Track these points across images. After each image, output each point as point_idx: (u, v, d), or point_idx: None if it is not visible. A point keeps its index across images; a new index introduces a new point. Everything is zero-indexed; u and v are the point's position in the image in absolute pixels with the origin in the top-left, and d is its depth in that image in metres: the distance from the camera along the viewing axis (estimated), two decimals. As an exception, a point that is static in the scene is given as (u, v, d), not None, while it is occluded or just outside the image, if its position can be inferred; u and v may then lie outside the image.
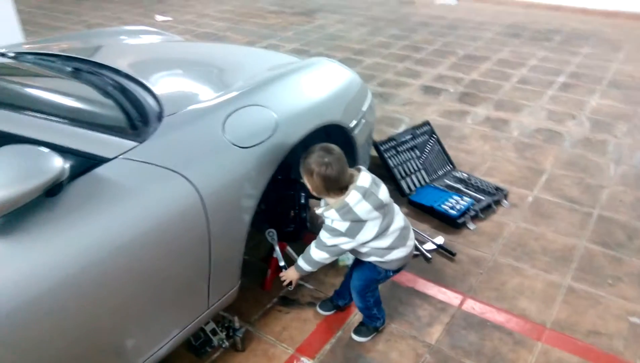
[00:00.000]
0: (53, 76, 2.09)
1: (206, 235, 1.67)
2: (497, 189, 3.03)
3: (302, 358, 2.04)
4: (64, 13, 7.67)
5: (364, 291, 2.01)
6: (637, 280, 2.41)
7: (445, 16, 7.10)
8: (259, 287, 2.38)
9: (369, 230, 1.80)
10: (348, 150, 2.17)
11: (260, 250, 2.56)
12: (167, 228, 1.55)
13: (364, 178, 1.78)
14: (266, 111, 1.96)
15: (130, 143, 1.59)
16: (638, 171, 3.30)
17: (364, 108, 2.50)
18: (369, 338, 2.11)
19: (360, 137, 2.43)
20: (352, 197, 1.75)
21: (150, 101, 1.88)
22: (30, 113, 1.48)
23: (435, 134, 3.35)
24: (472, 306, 2.28)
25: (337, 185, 1.77)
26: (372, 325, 2.11)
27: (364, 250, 1.88)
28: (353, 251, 1.92)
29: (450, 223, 2.78)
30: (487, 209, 2.90)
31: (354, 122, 2.36)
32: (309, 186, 1.84)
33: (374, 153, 3.03)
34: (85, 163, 1.47)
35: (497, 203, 2.96)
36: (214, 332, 2.03)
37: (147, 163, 1.57)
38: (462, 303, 2.30)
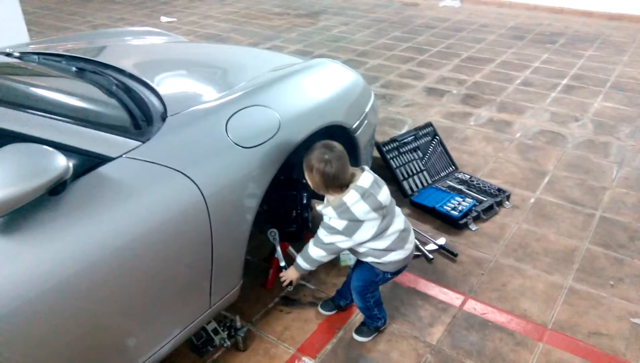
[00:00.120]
0: (58, 75, 2.11)
1: (208, 234, 1.68)
2: (500, 190, 3.04)
3: (304, 358, 2.05)
4: (69, 14, 7.71)
5: (364, 292, 2.02)
6: (639, 281, 2.41)
7: (448, 18, 7.11)
8: (260, 287, 2.39)
9: (367, 230, 1.80)
10: (350, 151, 2.18)
11: (263, 250, 2.57)
12: (170, 227, 1.56)
13: (365, 178, 1.79)
14: (269, 111, 1.97)
15: (133, 143, 1.60)
16: (641, 173, 3.30)
17: (367, 109, 2.51)
18: (370, 338, 2.12)
19: (362, 138, 2.44)
20: (351, 197, 1.75)
21: (154, 100, 1.89)
22: (35, 112, 1.49)
23: (438, 136, 3.36)
24: (474, 306, 2.28)
25: (336, 183, 1.78)
26: (373, 325, 2.12)
27: (361, 250, 1.89)
28: (352, 250, 1.92)
29: (452, 224, 2.79)
30: (489, 211, 2.90)
31: (357, 123, 2.37)
32: (309, 181, 1.85)
33: (376, 153, 3.04)
34: (88, 162, 1.48)
35: (499, 204, 2.97)
36: (215, 332, 2.04)
37: (151, 162, 1.59)
38: (463, 303, 2.30)
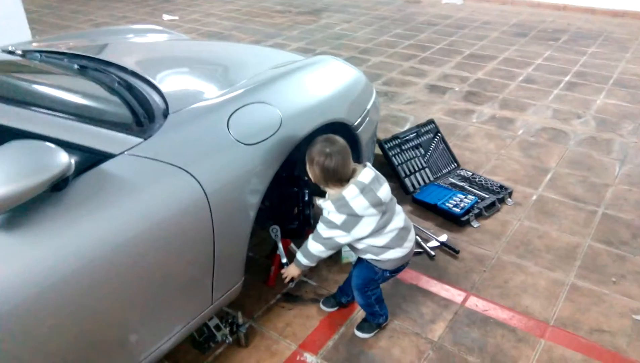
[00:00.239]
0: (60, 73, 2.11)
1: (210, 230, 1.68)
2: (502, 187, 3.04)
3: (305, 354, 2.05)
4: (71, 12, 7.72)
5: (364, 290, 2.02)
6: (641, 279, 2.42)
7: (450, 15, 7.10)
8: (262, 283, 2.40)
9: (365, 226, 1.80)
10: (352, 148, 2.17)
11: (264, 247, 2.58)
12: (172, 223, 1.57)
13: (366, 173, 1.79)
14: (271, 108, 1.98)
15: (135, 139, 1.61)
16: (643, 170, 3.30)
17: (369, 106, 2.51)
18: (372, 334, 2.12)
19: (364, 135, 2.44)
20: (350, 191, 1.76)
21: (155, 98, 1.90)
22: (37, 109, 1.50)
23: (440, 133, 3.35)
24: (475, 303, 2.28)
25: (336, 177, 1.78)
26: (374, 321, 2.12)
27: (360, 246, 1.89)
28: (351, 247, 1.93)
29: (454, 221, 2.79)
30: (491, 208, 2.90)
31: (358, 120, 2.37)
32: (309, 174, 1.85)
33: (378, 151, 3.04)
34: (91, 159, 1.48)
35: (501, 201, 2.97)
36: (217, 328, 2.04)
37: (152, 159, 1.59)
38: (465, 300, 2.30)
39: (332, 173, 1.77)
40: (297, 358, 2.03)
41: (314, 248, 1.90)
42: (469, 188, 3.05)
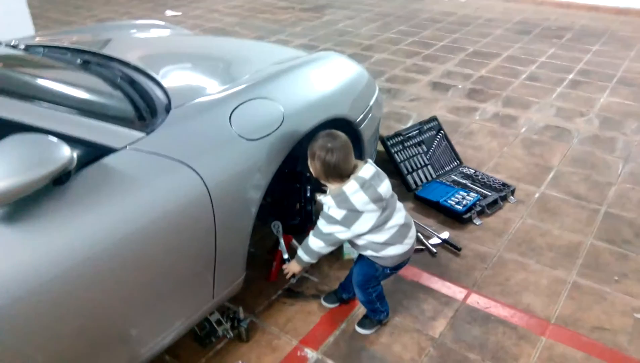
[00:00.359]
0: (63, 67, 2.11)
1: (212, 225, 1.68)
2: (504, 185, 3.03)
3: (306, 350, 2.06)
4: (74, 7, 7.73)
5: (365, 286, 2.02)
6: (643, 277, 2.41)
7: (454, 12, 7.07)
8: (264, 279, 2.40)
9: (365, 222, 1.80)
10: (354, 144, 2.17)
11: (266, 242, 2.58)
12: (174, 218, 1.57)
13: (367, 169, 1.79)
14: (273, 104, 1.98)
15: (137, 134, 1.61)
16: (646, 169, 3.29)
17: (371, 103, 2.51)
18: (373, 330, 2.12)
19: (366, 131, 2.43)
20: (350, 186, 1.76)
21: (158, 93, 1.90)
22: (40, 103, 1.50)
23: (443, 130, 3.35)
24: (477, 300, 2.28)
25: (337, 172, 1.78)
26: (375, 318, 2.12)
27: (360, 242, 1.89)
28: (352, 243, 1.93)
29: (456, 218, 2.79)
30: (494, 205, 2.89)
31: (361, 116, 2.37)
32: (310, 169, 1.85)
33: (381, 148, 3.04)
34: (93, 153, 1.49)
35: (504, 199, 2.96)
36: (219, 323, 2.05)
37: (154, 153, 1.59)
38: (466, 297, 2.30)
39: (333, 168, 1.77)
40: (298, 354, 2.04)
41: (315, 244, 1.90)
42: (472, 186, 3.04)
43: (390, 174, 1.91)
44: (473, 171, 3.19)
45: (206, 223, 1.67)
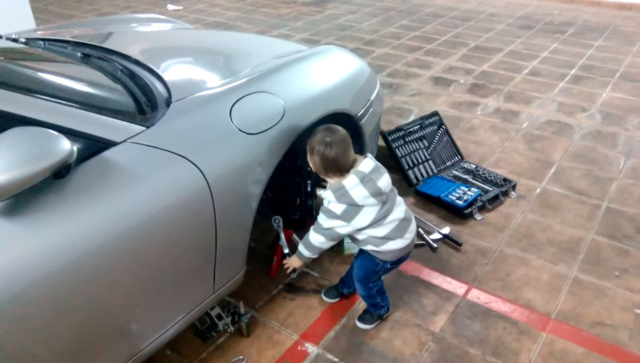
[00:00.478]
0: (63, 61, 2.11)
1: (212, 219, 1.68)
2: (505, 180, 3.02)
3: (307, 344, 2.06)
4: (75, 1, 7.71)
5: (365, 281, 2.02)
6: (644, 273, 2.41)
7: (456, 7, 7.05)
8: (264, 274, 2.40)
9: (365, 216, 1.80)
10: (355, 139, 2.17)
11: (267, 237, 2.58)
12: (174, 212, 1.57)
13: (367, 163, 1.79)
14: (274, 98, 1.97)
15: (138, 128, 1.60)
16: (648, 164, 3.28)
17: (372, 97, 2.50)
18: (373, 325, 2.12)
19: (367, 126, 2.43)
20: (350, 181, 1.75)
21: (158, 86, 1.89)
22: (40, 96, 1.49)
23: (444, 125, 3.34)
24: (477, 295, 2.28)
25: (336, 166, 1.78)
26: (376, 313, 2.12)
27: (360, 237, 1.89)
28: (352, 238, 1.92)
29: (457, 214, 2.78)
30: (495, 200, 2.89)
31: (362, 111, 2.36)
32: (310, 163, 1.85)
33: (382, 142, 3.03)
34: (93, 146, 1.48)
35: (505, 194, 2.96)
36: (219, 317, 2.05)
37: (155, 147, 1.59)
38: (467, 292, 2.30)
39: (332, 163, 1.77)
40: (299, 348, 2.04)
41: (315, 239, 1.90)
42: (473, 181, 3.04)
43: (391, 169, 1.90)
44: (474, 166, 3.19)
45: (206, 218, 1.67)
